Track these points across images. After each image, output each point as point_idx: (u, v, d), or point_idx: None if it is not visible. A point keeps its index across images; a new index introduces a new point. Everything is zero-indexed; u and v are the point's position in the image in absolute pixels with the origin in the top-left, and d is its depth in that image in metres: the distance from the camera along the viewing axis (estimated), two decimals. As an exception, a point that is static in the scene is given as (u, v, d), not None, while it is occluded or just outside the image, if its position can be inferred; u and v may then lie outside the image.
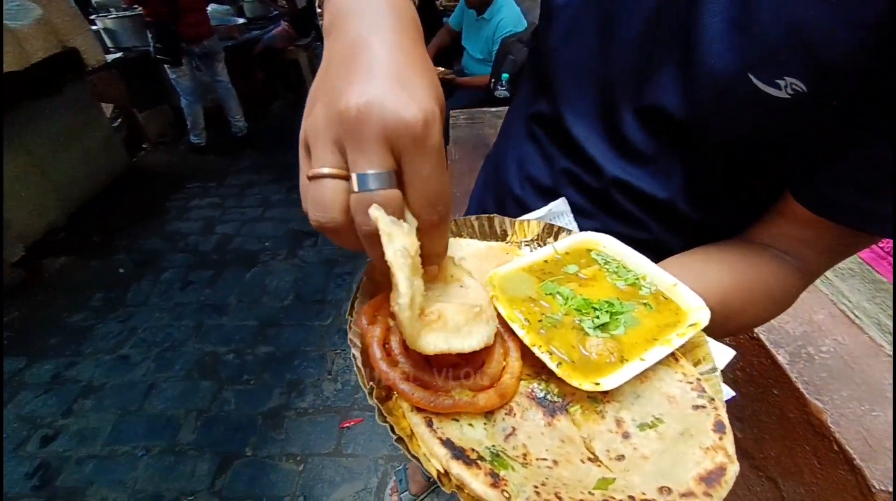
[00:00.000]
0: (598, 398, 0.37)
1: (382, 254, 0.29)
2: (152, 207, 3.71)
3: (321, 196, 0.29)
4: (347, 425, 2.06)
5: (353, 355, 0.37)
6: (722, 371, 0.40)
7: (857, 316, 0.94)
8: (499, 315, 0.40)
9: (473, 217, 0.55)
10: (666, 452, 0.33)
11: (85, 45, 3.49)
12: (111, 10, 4.17)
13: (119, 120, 4.14)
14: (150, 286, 2.89)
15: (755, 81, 0.41)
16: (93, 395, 2.22)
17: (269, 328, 2.56)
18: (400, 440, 0.32)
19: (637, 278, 0.45)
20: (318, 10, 0.40)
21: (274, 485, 1.85)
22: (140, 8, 3.69)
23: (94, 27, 3.86)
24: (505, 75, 2.83)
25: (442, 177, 0.30)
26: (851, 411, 0.85)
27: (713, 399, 0.36)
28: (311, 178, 0.29)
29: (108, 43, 4.09)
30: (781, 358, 0.97)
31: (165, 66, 3.86)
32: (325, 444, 1.99)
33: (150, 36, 3.65)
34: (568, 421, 0.36)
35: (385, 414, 0.33)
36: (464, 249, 0.49)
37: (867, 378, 0.86)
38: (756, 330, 1.04)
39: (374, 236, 0.29)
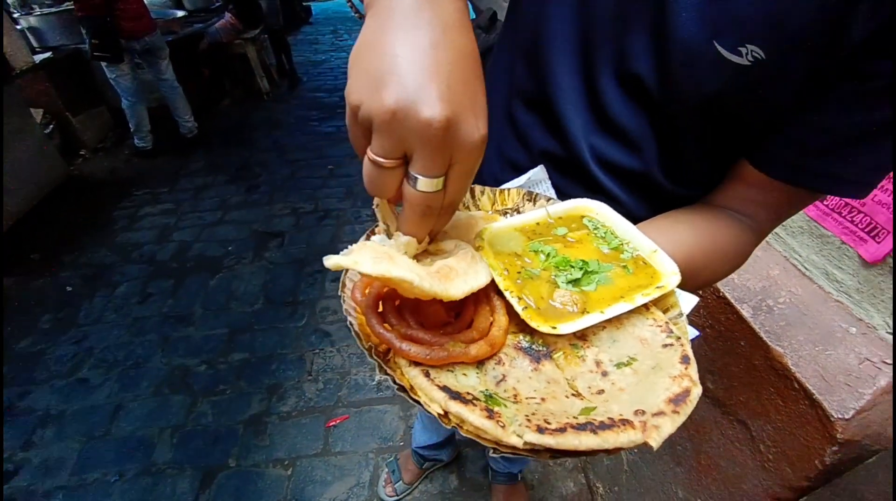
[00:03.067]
0: (579, 344, 0.41)
1: (419, 222, 0.38)
2: (96, 218, 3.46)
3: (379, 180, 0.36)
4: (333, 423, 2.03)
5: (350, 322, 0.40)
6: (690, 319, 0.44)
7: (807, 269, 1.03)
8: None
9: None
10: (640, 383, 0.36)
11: (10, 46, 3.20)
12: (34, 6, 3.81)
13: (51, 126, 3.81)
14: (103, 303, 2.71)
15: (719, 48, 0.43)
16: (52, 424, 2.07)
17: (240, 335, 2.48)
18: (402, 389, 0.35)
19: (621, 243, 0.48)
20: None
21: (262, 493, 1.80)
22: (69, 2, 3.40)
23: (18, 27, 3.53)
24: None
25: (472, 178, 0.38)
26: (808, 352, 0.93)
27: (679, 338, 0.40)
28: (372, 161, 0.35)
29: (34, 43, 3.76)
30: (745, 312, 1.05)
31: (104, 64, 3.56)
32: (312, 445, 1.96)
33: (83, 32, 3.35)
34: (552, 366, 0.40)
35: (385, 367, 0.37)
36: None
37: (819, 323, 0.96)
38: (721, 289, 1.12)
39: (417, 207, 0.37)
